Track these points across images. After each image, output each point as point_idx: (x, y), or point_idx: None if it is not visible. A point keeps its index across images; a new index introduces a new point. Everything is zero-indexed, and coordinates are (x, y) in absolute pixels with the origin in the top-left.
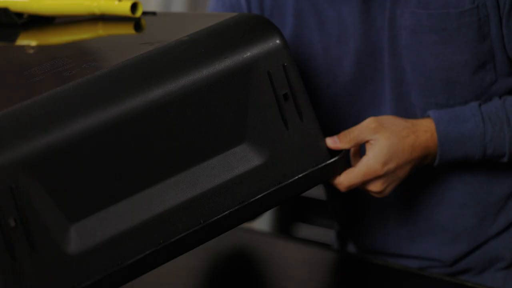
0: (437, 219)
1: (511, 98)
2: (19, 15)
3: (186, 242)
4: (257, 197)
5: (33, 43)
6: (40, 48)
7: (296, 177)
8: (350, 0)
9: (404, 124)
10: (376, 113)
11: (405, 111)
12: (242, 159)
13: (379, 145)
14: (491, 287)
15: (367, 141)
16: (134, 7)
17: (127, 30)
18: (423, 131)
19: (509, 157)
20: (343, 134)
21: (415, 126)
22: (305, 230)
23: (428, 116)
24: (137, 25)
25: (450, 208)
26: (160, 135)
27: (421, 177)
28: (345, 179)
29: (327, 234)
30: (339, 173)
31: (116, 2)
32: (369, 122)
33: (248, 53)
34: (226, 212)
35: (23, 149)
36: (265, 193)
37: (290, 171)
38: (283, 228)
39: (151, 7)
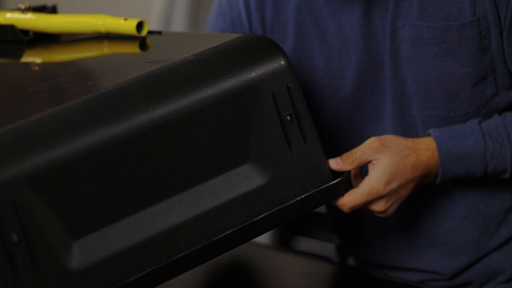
0: (437, 231)
1: (511, 115)
2: (25, 32)
3: (188, 261)
4: (259, 217)
5: (38, 60)
6: (45, 65)
7: (299, 198)
8: (351, 13)
9: (405, 143)
10: (377, 125)
11: (406, 123)
12: (245, 179)
13: (381, 165)
14: None
15: (370, 162)
16: (139, 26)
17: (133, 48)
18: (424, 150)
19: (510, 173)
20: (346, 155)
21: (416, 145)
22: (305, 243)
23: (429, 135)
24: (143, 44)
25: (450, 221)
26: (163, 153)
27: (421, 190)
28: (348, 200)
29: (327, 247)
30: (342, 194)
31: (122, 21)
32: (370, 142)
33: (253, 74)
34: (228, 232)
35: (27, 165)
36: (267, 213)
37: (293, 192)
38: (283, 241)
39: (152, 19)
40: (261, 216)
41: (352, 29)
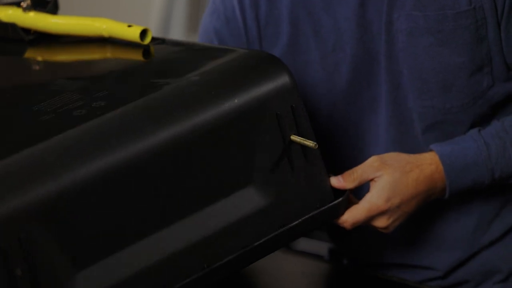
0: (431, 226)
1: (509, 118)
2: (27, 31)
3: (191, 287)
4: (262, 241)
5: (41, 64)
6: (48, 73)
7: (301, 220)
8: (346, 5)
9: (407, 159)
10: (373, 119)
11: (402, 115)
12: (248, 202)
13: (382, 182)
14: None
15: (371, 180)
16: (143, 34)
17: (136, 58)
18: (427, 164)
19: None
20: (347, 173)
21: (419, 160)
22: (304, 243)
23: (431, 150)
24: (146, 53)
25: (444, 215)
26: (168, 178)
27: None
28: (350, 217)
29: (326, 247)
30: (343, 213)
31: (126, 27)
32: (372, 161)
33: (258, 95)
34: (231, 257)
35: (33, 197)
36: (270, 236)
37: (295, 213)
38: None
39: (152, 19)
40: (264, 239)
41: (347, 22)
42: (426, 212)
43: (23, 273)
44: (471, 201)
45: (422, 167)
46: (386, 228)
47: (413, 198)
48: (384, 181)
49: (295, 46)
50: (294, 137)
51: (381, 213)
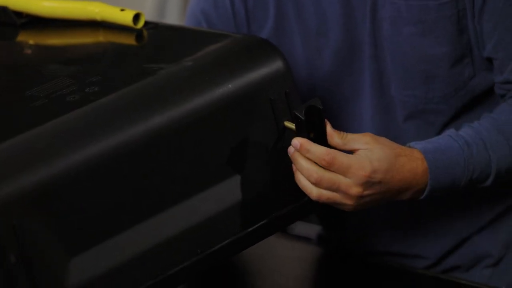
0: (419, 216)
1: (485, 120)
2: (19, 14)
3: (184, 273)
4: (255, 227)
5: (33, 48)
6: (41, 57)
7: (294, 205)
8: None
9: (398, 146)
10: (356, 107)
11: (386, 103)
12: (241, 187)
13: (371, 152)
14: (478, 283)
15: (357, 150)
16: (136, 18)
17: (129, 42)
18: (415, 157)
19: (493, 179)
20: (339, 132)
21: (408, 150)
22: (299, 227)
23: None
24: (139, 37)
25: (433, 203)
26: (161, 165)
27: None
28: (330, 154)
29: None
30: None
31: (119, 11)
32: (364, 134)
33: (252, 81)
34: (224, 243)
35: (27, 184)
36: (263, 221)
37: (289, 199)
38: None
39: (146, 4)
40: (258, 225)
41: (331, 7)
42: (413, 203)
43: (17, 260)
44: (459, 194)
45: (411, 157)
46: (352, 200)
47: (394, 181)
48: (373, 153)
49: (280, 29)
50: (288, 123)
51: (359, 179)
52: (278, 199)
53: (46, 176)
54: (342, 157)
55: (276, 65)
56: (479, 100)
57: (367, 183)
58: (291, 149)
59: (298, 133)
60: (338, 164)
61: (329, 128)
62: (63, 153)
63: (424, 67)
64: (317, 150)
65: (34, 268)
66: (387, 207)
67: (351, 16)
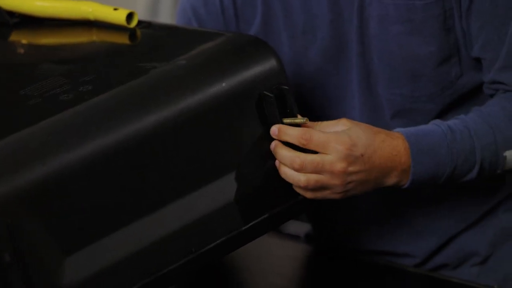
0: (405, 215)
1: (472, 112)
2: (11, 14)
3: (178, 272)
4: (248, 225)
5: (26, 48)
6: (34, 57)
7: (289, 204)
8: None
9: (376, 127)
10: (343, 105)
11: (374, 102)
12: (236, 186)
13: (350, 128)
14: (465, 280)
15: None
16: (129, 17)
17: (123, 41)
18: (395, 136)
19: (479, 170)
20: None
21: (387, 131)
22: (291, 226)
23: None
24: (132, 36)
25: (419, 201)
26: (155, 163)
27: None
28: (306, 133)
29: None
30: None
31: (112, 10)
32: (339, 119)
33: (245, 79)
34: (218, 241)
35: (21, 183)
36: (257, 220)
37: (283, 197)
38: None
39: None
40: (251, 224)
41: (318, 5)
42: (400, 202)
43: (11, 259)
44: (445, 192)
45: (391, 135)
46: (339, 178)
47: (376, 157)
48: (351, 129)
49: (267, 26)
50: (287, 120)
51: (340, 153)
52: (272, 198)
53: (40, 175)
54: (319, 133)
55: (270, 63)
56: (467, 99)
57: (349, 157)
58: (272, 144)
59: (270, 115)
60: (316, 139)
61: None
62: (57, 152)
63: (411, 66)
64: (294, 130)
65: (28, 267)
66: (374, 204)
67: (339, 14)
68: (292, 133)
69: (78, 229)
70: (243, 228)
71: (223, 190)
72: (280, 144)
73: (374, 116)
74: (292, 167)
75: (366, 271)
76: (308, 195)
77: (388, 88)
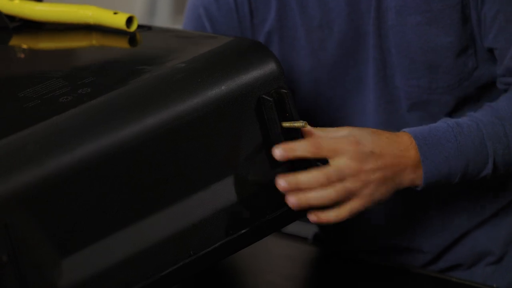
0: (417, 210)
1: (481, 108)
2: (11, 18)
3: (176, 275)
4: (247, 229)
5: (26, 51)
6: (34, 60)
7: (287, 208)
8: None
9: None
10: (360, 98)
11: (389, 94)
12: (235, 189)
13: (353, 130)
14: (476, 282)
15: None
16: (129, 21)
17: (122, 45)
18: (400, 133)
19: (493, 167)
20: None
21: (391, 132)
22: (292, 225)
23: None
24: (132, 40)
25: (432, 197)
26: (153, 166)
27: None
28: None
29: (313, 230)
30: None
31: (112, 14)
32: (343, 127)
33: (245, 83)
34: (216, 245)
35: (19, 184)
36: (256, 223)
37: (282, 200)
38: None
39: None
40: (250, 227)
41: None
42: (413, 197)
43: (8, 259)
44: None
45: (395, 134)
46: (360, 180)
47: (386, 153)
48: (355, 131)
49: (283, 21)
50: (286, 123)
51: (351, 153)
52: (272, 200)
53: (38, 176)
54: (326, 139)
55: (270, 67)
56: (483, 92)
57: (360, 154)
58: (281, 183)
59: (269, 119)
60: (326, 145)
61: (308, 126)
62: (55, 153)
63: (429, 57)
64: (301, 144)
65: (25, 268)
66: (385, 203)
67: (355, 6)
68: (299, 147)
69: (76, 230)
70: (243, 231)
71: (222, 193)
72: (293, 175)
73: (390, 108)
74: (319, 184)
75: (368, 272)
76: (342, 214)
77: (405, 79)
